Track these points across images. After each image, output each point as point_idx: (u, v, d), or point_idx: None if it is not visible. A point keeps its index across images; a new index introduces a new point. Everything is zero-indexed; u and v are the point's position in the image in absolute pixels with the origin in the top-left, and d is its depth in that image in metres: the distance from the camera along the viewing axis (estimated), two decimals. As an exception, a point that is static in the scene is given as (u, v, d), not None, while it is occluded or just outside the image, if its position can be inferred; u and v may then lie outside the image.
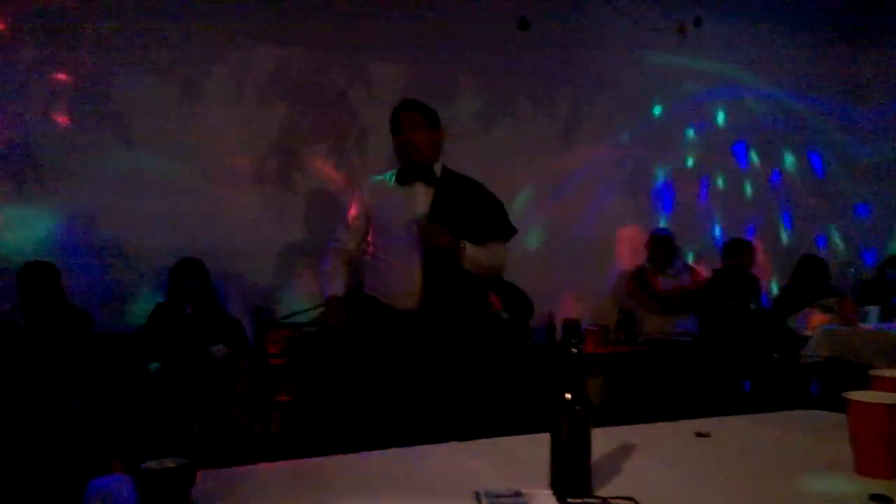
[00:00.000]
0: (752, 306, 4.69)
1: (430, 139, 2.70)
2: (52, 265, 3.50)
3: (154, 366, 3.50)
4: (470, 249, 2.61)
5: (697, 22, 5.18)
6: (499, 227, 2.75)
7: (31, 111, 3.71)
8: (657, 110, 5.25)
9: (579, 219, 4.89)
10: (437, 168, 2.74)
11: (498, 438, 1.61)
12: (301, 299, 4.14)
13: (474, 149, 4.59)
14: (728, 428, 1.68)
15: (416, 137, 2.65)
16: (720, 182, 5.45)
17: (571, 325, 1.33)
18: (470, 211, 2.67)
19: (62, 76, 3.78)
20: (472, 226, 2.66)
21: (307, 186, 4.29)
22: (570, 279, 4.86)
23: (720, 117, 5.47)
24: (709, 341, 4.55)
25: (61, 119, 3.78)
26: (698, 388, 4.35)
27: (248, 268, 4.11)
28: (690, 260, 5.18)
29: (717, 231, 5.41)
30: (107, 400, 3.32)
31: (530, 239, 4.75)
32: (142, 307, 3.77)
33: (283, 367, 3.98)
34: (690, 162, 5.36)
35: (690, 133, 5.38)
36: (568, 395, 1.29)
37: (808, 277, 4.76)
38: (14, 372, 3.26)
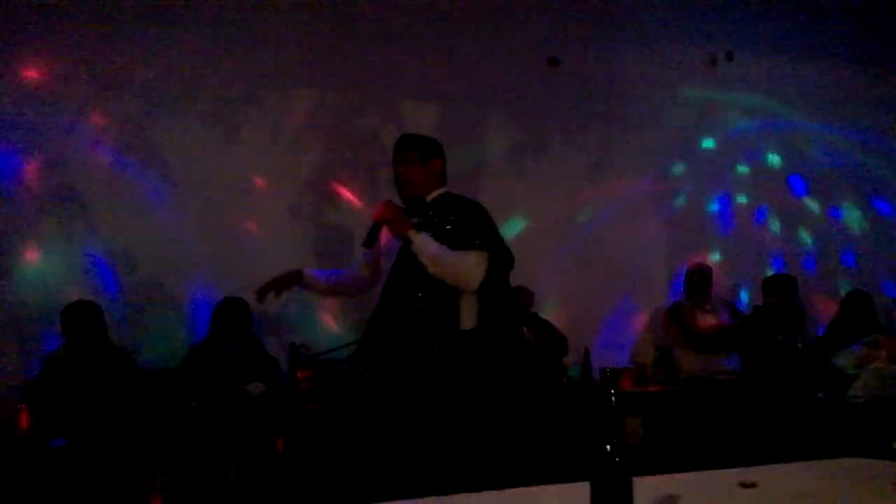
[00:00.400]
0: (798, 344, 4.55)
1: (422, 174, 2.72)
2: (94, 305, 3.58)
3: (195, 404, 3.54)
4: (421, 238, 2.53)
5: (729, 56, 5.20)
6: (473, 236, 2.58)
7: (77, 154, 3.84)
8: (695, 143, 5.20)
9: (614, 253, 4.85)
10: (434, 196, 2.74)
11: (536, 488, 1.59)
12: (336, 336, 4.18)
13: (506, 184, 4.64)
14: (774, 477, 1.63)
15: (405, 174, 2.72)
16: (770, 215, 5.32)
17: (611, 376, 1.31)
18: (446, 223, 2.61)
19: (106, 120, 3.92)
20: (446, 234, 2.57)
21: (341, 224, 4.35)
22: (606, 315, 4.81)
23: (763, 152, 5.36)
24: (751, 380, 4.42)
25: (105, 161, 3.91)
26: (740, 429, 4.22)
27: (284, 304, 4.15)
28: (745, 297, 5.07)
29: (775, 266, 5.26)
30: (148, 437, 3.36)
31: (564, 274, 4.73)
32: (182, 345, 3.83)
33: (316, 404, 3.98)
34: (743, 198, 5.23)
35: (737, 167, 5.28)
36: (608, 447, 1.27)
37: (854, 314, 4.62)
38: (62, 410, 3.33)
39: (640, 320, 4.93)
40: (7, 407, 3.36)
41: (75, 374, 3.45)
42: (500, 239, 2.69)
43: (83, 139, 3.85)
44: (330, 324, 4.25)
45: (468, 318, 2.57)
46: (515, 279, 4.54)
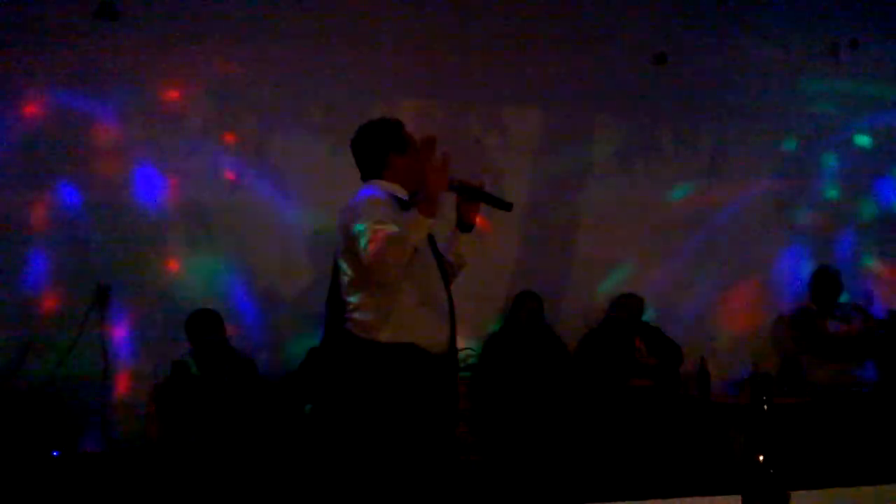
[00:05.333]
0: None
1: None
2: (216, 313, 3.76)
3: (308, 407, 3.64)
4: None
5: (853, 44, 4.84)
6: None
7: (202, 171, 4.06)
8: (819, 138, 4.88)
9: (732, 258, 4.61)
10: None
11: (670, 500, 1.50)
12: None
13: (614, 187, 4.52)
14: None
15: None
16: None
17: (762, 380, 1.23)
18: None
19: (227, 137, 4.12)
20: None
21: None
22: (723, 323, 4.57)
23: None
24: (890, 392, 4.07)
25: (227, 177, 4.10)
26: (878, 445, 3.88)
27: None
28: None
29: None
30: (268, 441, 3.48)
31: (676, 280, 4.54)
32: (298, 351, 3.95)
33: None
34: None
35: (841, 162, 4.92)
36: (760, 458, 1.18)
37: None
38: (189, 413, 3.51)
39: (762, 328, 4.65)
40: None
41: (201, 379, 3.62)
42: None
43: (207, 156, 4.06)
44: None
45: None
46: (625, 287, 4.47)
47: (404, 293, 2.27)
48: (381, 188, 2.41)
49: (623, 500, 1.48)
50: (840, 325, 4.28)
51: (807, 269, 4.62)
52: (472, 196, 2.47)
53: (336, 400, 2.33)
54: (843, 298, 4.46)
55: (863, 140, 4.95)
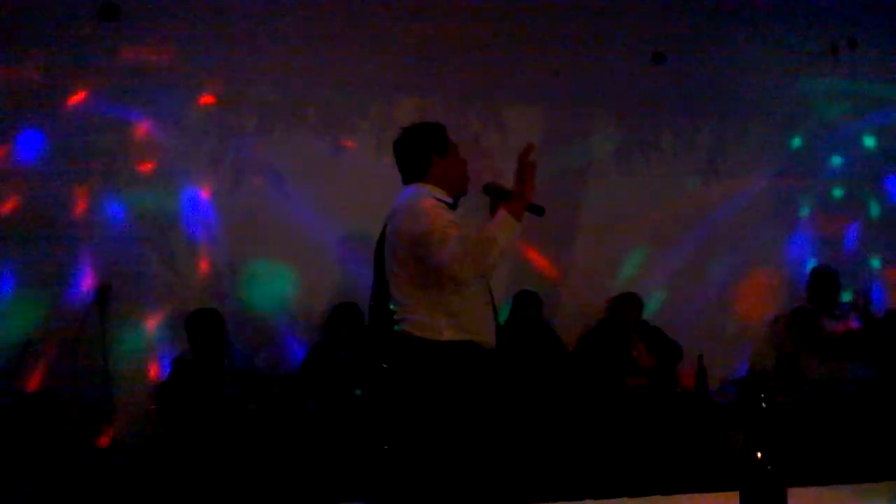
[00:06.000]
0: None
1: None
2: (216, 312, 3.77)
3: (312, 405, 3.65)
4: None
5: (852, 44, 4.84)
6: None
7: (199, 171, 4.05)
8: (814, 138, 4.89)
9: (730, 256, 4.62)
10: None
11: (670, 497, 1.51)
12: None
13: (613, 186, 4.52)
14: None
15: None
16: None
17: (759, 377, 1.24)
18: None
19: (225, 136, 4.12)
20: None
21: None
22: (721, 321, 4.59)
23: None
24: (889, 390, 4.08)
25: (225, 176, 4.09)
26: (875, 443, 3.90)
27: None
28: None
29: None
30: (268, 440, 3.49)
31: (675, 278, 4.55)
32: (299, 350, 3.97)
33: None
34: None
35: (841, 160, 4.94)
36: (759, 454, 1.20)
37: None
38: (189, 410, 3.52)
39: (759, 326, 4.66)
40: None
41: (201, 377, 3.63)
42: None
43: (205, 156, 4.06)
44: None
45: None
46: (624, 286, 4.48)
47: (465, 292, 2.31)
48: (429, 191, 2.43)
49: (623, 496, 1.49)
50: (837, 323, 4.30)
51: (806, 268, 4.64)
52: (502, 198, 2.48)
53: (406, 402, 2.33)
54: (844, 298, 4.47)
55: (863, 139, 4.96)
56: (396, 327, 2.35)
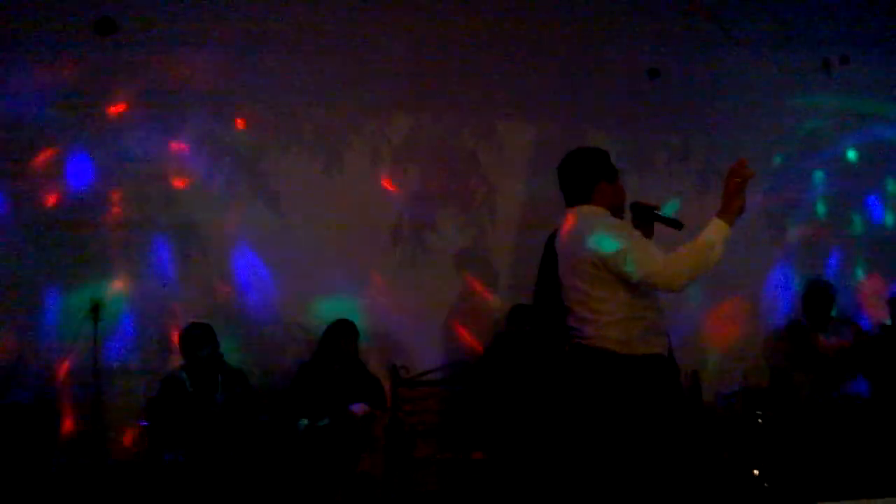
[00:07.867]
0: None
1: None
2: (209, 327, 3.75)
3: (303, 423, 3.63)
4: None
5: (844, 60, 4.87)
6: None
7: (194, 185, 4.06)
8: (810, 154, 4.91)
9: (724, 273, 4.60)
10: None
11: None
12: (436, 356, 4.19)
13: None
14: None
15: None
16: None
17: (754, 394, 1.23)
18: None
19: (222, 151, 4.13)
20: None
21: (440, 245, 4.37)
22: (714, 337, 4.58)
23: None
24: (882, 406, 4.07)
25: (220, 192, 4.11)
26: (868, 458, 3.88)
27: (386, 325, 4.22)
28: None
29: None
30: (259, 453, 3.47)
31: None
32: (291, 365, 3.95)
33: (419, 425, 4.02)
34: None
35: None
36: (755, 472, 1.19)
37: None
38: (180, 427, 3.50)
39: (753, 342, 4.65)
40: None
41: (194, 393, 3.61)
42: None
43: (199, 169, 4.07)
44: (427, 346, 4.27)
45: None
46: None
47: (652, 306, 2.48)
48: (604, 212, 2.55)
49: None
50: (832, 339, 4.29)
51: (797, 283, 4.64)
52: (647, 215, 2.64)
53: (607, 417, 2.43)
54: (834, 313, 4.48)
55: (853, 155, 4.98)
56: (580, 343, 2.45)
